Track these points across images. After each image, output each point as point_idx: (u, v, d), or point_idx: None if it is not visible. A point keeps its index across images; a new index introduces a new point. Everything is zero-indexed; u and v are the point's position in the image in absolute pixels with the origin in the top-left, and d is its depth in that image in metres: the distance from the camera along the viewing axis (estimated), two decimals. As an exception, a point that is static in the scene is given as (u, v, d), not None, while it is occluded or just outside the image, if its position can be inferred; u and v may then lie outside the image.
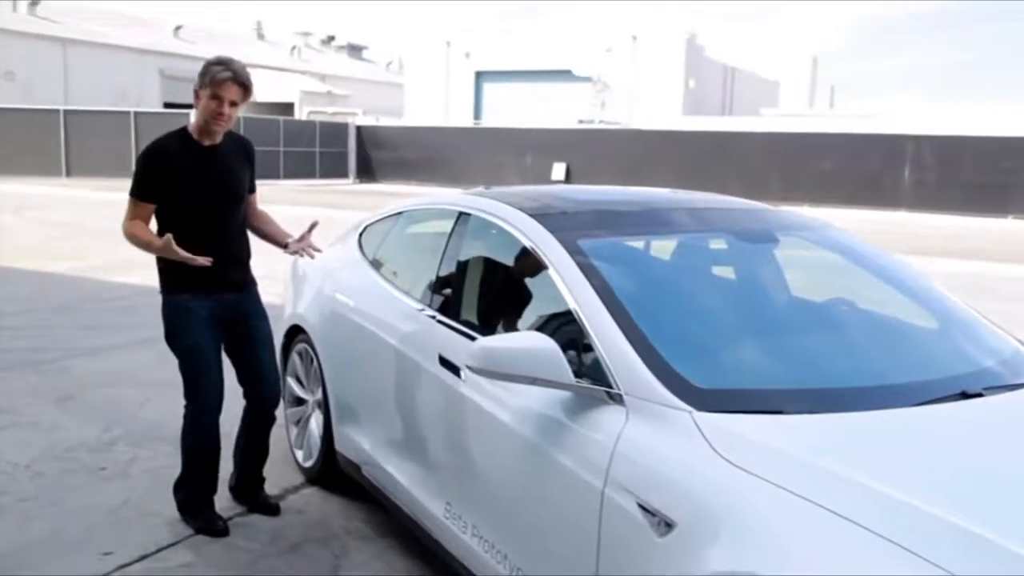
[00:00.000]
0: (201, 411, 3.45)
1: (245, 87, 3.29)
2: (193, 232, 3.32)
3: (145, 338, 6.75)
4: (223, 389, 3.48)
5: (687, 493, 1.94)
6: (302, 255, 3.61)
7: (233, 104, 3.28)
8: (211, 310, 3.43)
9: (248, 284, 3.58)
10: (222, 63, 3.28)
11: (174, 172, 3.29)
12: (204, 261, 3.24)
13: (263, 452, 3.75)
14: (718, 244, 3.24)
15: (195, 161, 3.34)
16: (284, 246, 3.62)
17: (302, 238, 3.57)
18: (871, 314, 3.05)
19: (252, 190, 3.60)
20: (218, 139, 3.39)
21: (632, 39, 34.93)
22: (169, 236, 3.20)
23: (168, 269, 3.40)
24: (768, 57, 45.92)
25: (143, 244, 3.31)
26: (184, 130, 3.39)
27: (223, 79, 3.24)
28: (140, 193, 3.33)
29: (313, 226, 3.59)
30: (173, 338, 3.45)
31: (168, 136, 3.39)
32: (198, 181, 3.33)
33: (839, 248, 3.32)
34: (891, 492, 1.79)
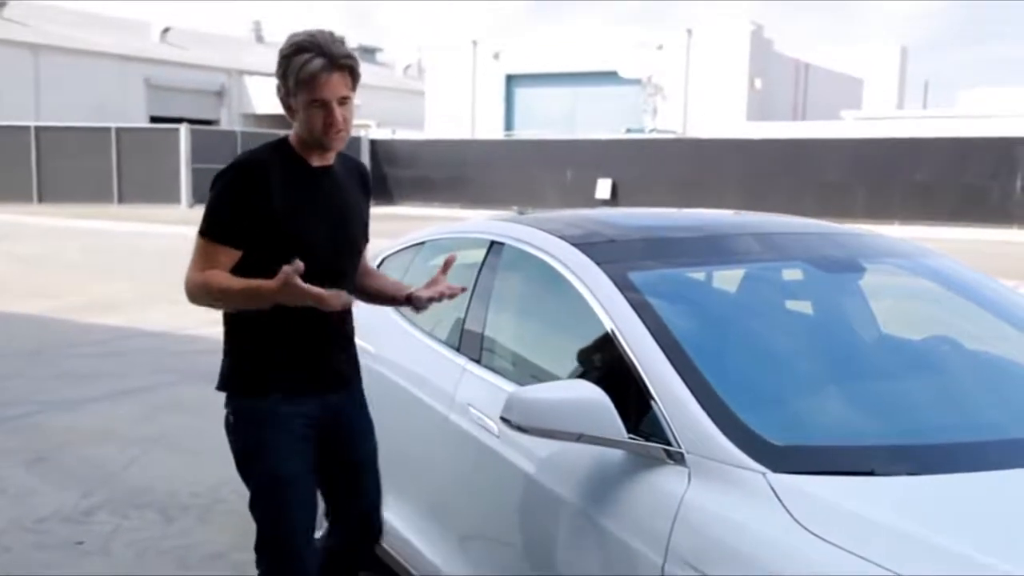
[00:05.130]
0: None
1: (351, 70, 2.56)
2: None
3: (130, 388, 6.85)
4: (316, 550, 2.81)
5: (762, 570, 1.93)
6: (441, 299, 2.83)
7: (344, 101, 2.56)
8: (309, 419, 2.70)
9: (358, 375, 2.94)
10: (304, 48, 2.51)
11: (274, 203, 2.56)
12: (341, 300, 2.45)
13: None
14: (792, 275, 3.24)
15: (303, 188, 2.63)
16: (406, 300, 2.87)
17: (436, 282, 2.82)
18: (979, 355, 3.02)
19: (366, 239, 2.91)
20: (331, 158, 2.70)
21: (687, 34, 35.07)
22: (290, 269, 2.36)
23: (250, 350, 2.67)
24: (849, 50, 45.80)
25: (234, 295, 2.52)
26: (284, 142, 2.68)
27: (316, 72, 2.50)
28: (221, 233, 2.57)
29: (449, 264, 2.89)
30: (248, 463, 2.71)
31: (263, 150, 2.66)
32: (308, 217, 2.62)
33: (938, 277, 3.30)
34: (1006, 569, 1.77)
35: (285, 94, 2.59)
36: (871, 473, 2.14)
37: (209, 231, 2.57)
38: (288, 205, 2.58)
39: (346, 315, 2.78)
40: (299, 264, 2.35)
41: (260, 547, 2.69)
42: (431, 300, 2.80)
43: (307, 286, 2.36)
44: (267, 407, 2.65)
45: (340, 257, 2.72)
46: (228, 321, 2.70)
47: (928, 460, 2.22)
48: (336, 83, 2.53)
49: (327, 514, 2.92)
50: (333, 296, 2.39)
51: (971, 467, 2.19)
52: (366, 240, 2.89)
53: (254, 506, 2.68)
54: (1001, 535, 1.93)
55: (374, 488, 2.93)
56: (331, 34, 2.56)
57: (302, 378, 2.67)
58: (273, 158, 2.63)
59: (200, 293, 2.56)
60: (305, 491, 2.70)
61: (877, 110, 37.84)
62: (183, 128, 28.35)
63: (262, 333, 2.63)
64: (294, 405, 2.66)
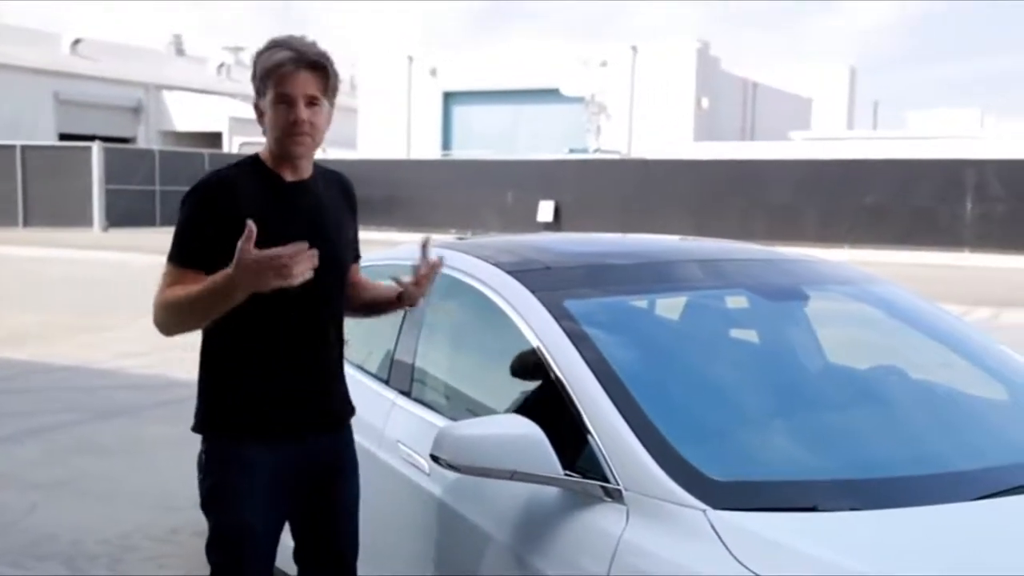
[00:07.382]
0: None
1: (323, 69, 2.55)
2: (273, 325, 2.55)
3: (32, 427, 6.69)
4: None
5: (702, 612, 1.95)
6: (426, 281, 2.77)
7: (313, 102, 2.53)
8: (286, 466, 2.62)
9: (349, 415, 2.82)
10: (275, 43, 2.56)
11: (243, 219, 2.39)
12: (311, 263, 2.34)
13: None
14: (737, 302, 3.29)
15: (276, 203, 2.57)
16: (397, 299, 2.83)
17: (418, 270, 2.77)
18: (925, 385, 3.09)
19: (356, 256, 2.91)
20: (306, 171, 2.65)
21: (632, 51, 35.53)
22: (244, 239, 2.28)
23: (222, 386, 2.61)
24: (798, 69, 46.83)
25: (193, 299, 2.42)
26: (256, 159, 2.65)
27: (281, 61, 2.50)
28: (188, 256, 2.51)
29: (426, 242, 2.79)
30: (212, 506, 2.63)
31: (233, 167, 2.64)
32: (282, 234, 2.44)
33: (884, 305, 3.37)
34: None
35: (256, 93, 2.58)
36: (814, 509, 2.17)
37: (175, 255, 2.52)
38: (259, 221, 2.39)
39: (329, 337, 2.69)
40: (252, 226, 2.25)
41: None
42: (417, 285, 2.76)
43: (264, 252, 2.27)
44: (239, 451, 2.57)
45: (321, 277, 2.46)
46: (202, 352, 2.64)
47: (872, 494, 2.26)
48: (304, 80, 2.52)
49: (296, 559, 2.83)
50: (304, 257, 2.29)
51: (916, 501, 2.23)
52: (356, 257, 2.87)
53: (210, 551, 2.62)
54: (946, 571, 1.96)
55: (352, 535, 2.82)
56: (308, 40, 2.59)
57: (279, 418, 2.59)
58: (242, 174, 2.60)
59: (163, 315, 2.49)
60: (266, 544, 2.64)
61: (826, 131, 38.67)
62: (96, 146, 27.91)
63: (235, 365, 2.57)
64: (271, 450, 2.58)
